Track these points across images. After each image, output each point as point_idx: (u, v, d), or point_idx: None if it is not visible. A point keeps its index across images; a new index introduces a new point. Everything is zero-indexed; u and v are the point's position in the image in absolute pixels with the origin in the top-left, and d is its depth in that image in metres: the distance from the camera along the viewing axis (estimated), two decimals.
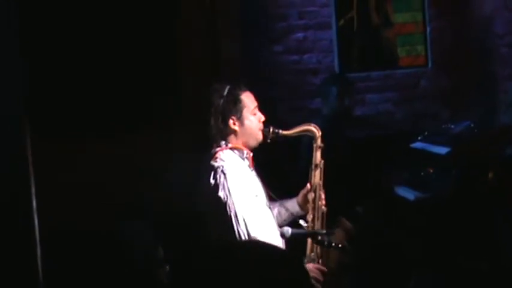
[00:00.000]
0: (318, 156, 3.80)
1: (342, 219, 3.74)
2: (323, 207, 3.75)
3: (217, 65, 5.58)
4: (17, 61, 3.44)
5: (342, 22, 6.58)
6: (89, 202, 5.24)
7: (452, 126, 5.62)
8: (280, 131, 3.76)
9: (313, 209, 3.73)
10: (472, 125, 5.48)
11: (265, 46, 6.45)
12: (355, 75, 6.47)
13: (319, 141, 3.79)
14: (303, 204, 3.82)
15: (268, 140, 3.76)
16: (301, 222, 3.72)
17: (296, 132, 3.84)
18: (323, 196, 3.76)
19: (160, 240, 4.00)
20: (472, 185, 4.87)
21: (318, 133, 3.80)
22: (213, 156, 3.63)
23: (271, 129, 3.74)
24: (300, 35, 6.57)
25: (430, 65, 6.69)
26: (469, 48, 6.65)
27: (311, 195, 3.74)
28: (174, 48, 5.62)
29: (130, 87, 5.57)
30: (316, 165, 3.79)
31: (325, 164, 3.81)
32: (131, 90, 5.57)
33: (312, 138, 3.82)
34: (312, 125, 3.84)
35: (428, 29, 6.67)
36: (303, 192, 3.82)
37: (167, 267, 3.91)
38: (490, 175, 4.81)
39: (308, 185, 3.78)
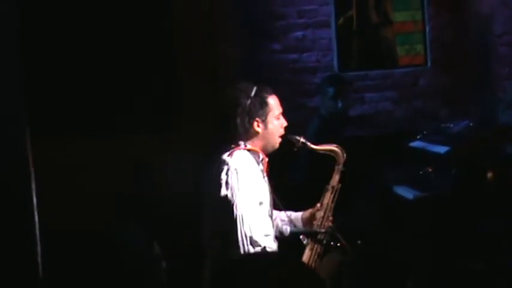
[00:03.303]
0: (336, 178, 3.78)
1: (343, 244, 3.69)
2: (329, 229, 3.72)
3: (217, 65, 5.59)
4: (17, 61, 3.44)
5: (341, 21, 6.58)
6: (88, 201, 5.26)
7: (452, 125, 5.62)
8: (309, 144, 3.74)
9: (319, 227, 3.71)
10: (471, 124, 5.48)
11: (265, 45, 6.45)
12: (354, 74, 6.47)
13: (341, 165, 3.77)
14: (306, 222, 3.81)
15: (295, 149, 3.74)
16: (302, 237, 3.69)
17: (322, 150, 3.82)
18: (331, 218, 3.74)
19: (158, 239, 4.01)
20: (471, 184, 4.88)
21: (342, 157, 3.78)
22: (229, 153, 3.57)
23: (301, 139, 3.73)
24: (299, 33, 6.56)
25: (429, 64, 6.70)
26: (468, 47, 6.65)
27: (320, 214, 3.73)
28: (174, 48, 5.64)
29: (130, 87, 5.59)
30: (332, 187, 3.77)
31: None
32: (131, 90, 5.59)
33: (333, 159, 3.79)
34: (339, 147, 3.81)
35: (427, 28, 6.68)
36: (311, 210, 3.80)
37: (164, 264, 3.92)
38: (489, 174, 4.82)
39: (319, 204, 3.77)
